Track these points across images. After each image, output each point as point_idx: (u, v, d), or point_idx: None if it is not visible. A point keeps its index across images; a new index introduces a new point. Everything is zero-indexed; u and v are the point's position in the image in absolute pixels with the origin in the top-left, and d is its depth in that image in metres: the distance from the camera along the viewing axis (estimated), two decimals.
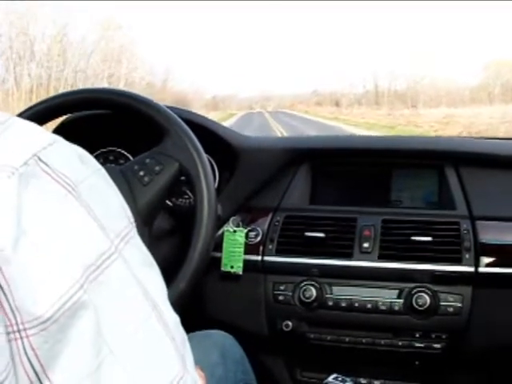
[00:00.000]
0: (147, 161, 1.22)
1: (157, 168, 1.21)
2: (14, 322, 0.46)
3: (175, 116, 1.26)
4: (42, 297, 0.46)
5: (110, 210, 0.54)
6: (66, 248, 0.47)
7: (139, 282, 0.52)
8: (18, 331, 0.46)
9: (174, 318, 0.56)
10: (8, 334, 0.46)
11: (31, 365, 0.46)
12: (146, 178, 1.20)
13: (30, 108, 1.32)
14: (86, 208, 0.50)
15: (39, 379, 0.46)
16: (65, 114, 1.42)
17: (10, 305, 0.46)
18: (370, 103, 68.27)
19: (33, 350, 0.46)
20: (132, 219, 0.58)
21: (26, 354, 0.46)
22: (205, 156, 1.24)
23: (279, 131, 25.17)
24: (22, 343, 0.46)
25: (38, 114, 1.30)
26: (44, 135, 0.52)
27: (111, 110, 1.34)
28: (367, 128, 28.01)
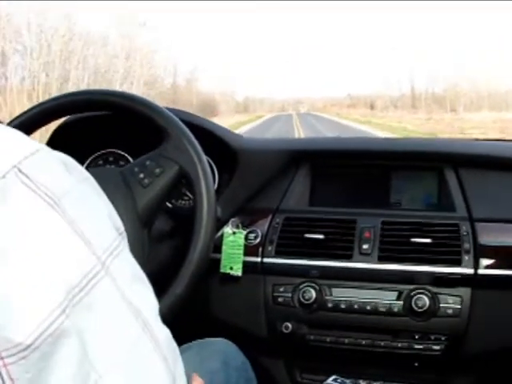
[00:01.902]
0: (147, 163, 1.27)
1: (157, 170, 1.25)
2: None
3: (175, 117, 1.30)
4: (21, 323, 0.44)
5: (97, 222, 0.52)
6: (47, 269, 0.45)
7: (128, 299, 0.50)
8: None
9: (165, 334, 0.54)
10: None
11: None
12: (146, 180, 1.25)
13: (30, 110, 1.37)
14: (70, 223, 0.48)
15: None
16: (63, 116, 1.48)
17: None
18: (407, 106, 66.98)
19: (11, 380, 0.44)
20: (122, 229, 0.55)
21: None
22: (205, 158, 1.28)
23: (299, 135, 24.91)
24: None
25: (39, 115, 1.35)
26: (26, 144, 0.50)
27: (110, 111, 1.39)
28: (405, 136, 26.96)
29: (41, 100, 1.44)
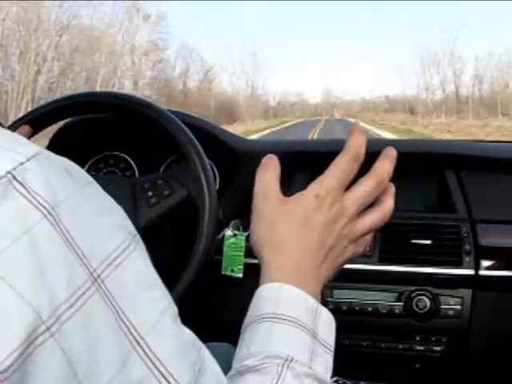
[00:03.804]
0: (159, 182, 1.29)
1: (166, 192, 1.27)
2: None
3: (193, 138, 1.28)
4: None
5: (98, 229, 0.49)
6: (32, 284, 0.43)
7: (121, 315, 0.47)
8: None
9: (173, 346, 0.51)
10: None
11: None
12: (153, 200, 1.27)
13: (32, 111, 1.36)
14: (62, 235, 0.45)
15: None
16: (72, 116, 1.48)
17: None
18: (452, 111, 63.38)
19: None
20: (134, 232, 0.52)
21: None
22: (214, 186, 1.27)
23: None
24: None
25: (41, 117, 1.34)
26: (23, 148, 0.47)
27: (132, 117, 1.36)
28: None
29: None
